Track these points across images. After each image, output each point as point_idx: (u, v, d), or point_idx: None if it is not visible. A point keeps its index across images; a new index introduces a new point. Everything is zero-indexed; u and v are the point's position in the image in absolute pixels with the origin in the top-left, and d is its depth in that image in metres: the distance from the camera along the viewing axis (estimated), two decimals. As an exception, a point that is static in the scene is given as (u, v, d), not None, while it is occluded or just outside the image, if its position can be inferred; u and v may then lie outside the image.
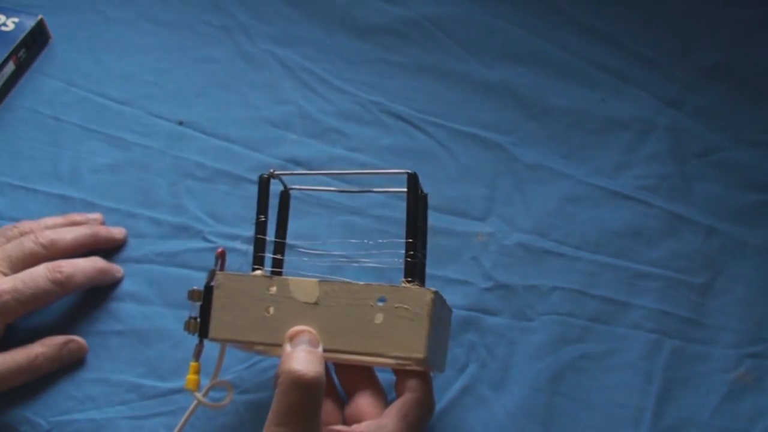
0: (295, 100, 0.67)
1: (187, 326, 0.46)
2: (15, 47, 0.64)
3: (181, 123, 0.65)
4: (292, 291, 0.44)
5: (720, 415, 0.54)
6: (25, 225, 0.55)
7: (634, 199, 0.63)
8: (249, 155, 0.63)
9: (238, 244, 0.58)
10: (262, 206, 0.47)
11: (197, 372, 0.46)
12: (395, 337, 0.43)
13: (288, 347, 0.43)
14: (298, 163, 0.63)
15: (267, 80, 0.68)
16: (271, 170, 0.48)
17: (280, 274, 0.49)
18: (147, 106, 0.65)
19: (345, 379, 0.50)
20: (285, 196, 0.51)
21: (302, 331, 0.43)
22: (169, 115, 0.65)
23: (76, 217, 0.57)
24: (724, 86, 0.70)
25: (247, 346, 0.48)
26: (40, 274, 0.50)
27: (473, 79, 0.70)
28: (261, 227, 0.47)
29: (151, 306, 0.56)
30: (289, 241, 0.51)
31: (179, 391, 0.52)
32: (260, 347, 0.48)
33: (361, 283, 0.44)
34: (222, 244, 0.58)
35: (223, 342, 0.47)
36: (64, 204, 0.59)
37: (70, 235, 0.54)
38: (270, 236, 0.48)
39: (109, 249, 0.57)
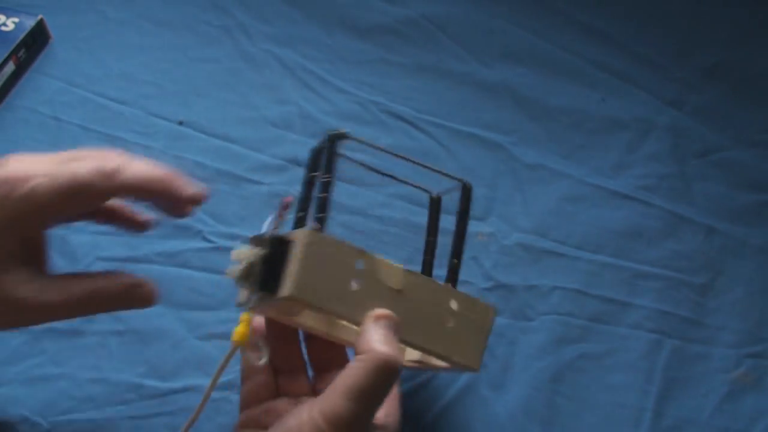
0: (295, 100, 0.67)
1: (243, 274, 0.40)
2: (15, 47, 0.64)
3: (181, 123, 0.65)
4: (379, 272, 0.42)
5: (720, 415, 0.54)
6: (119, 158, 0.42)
7: (634, 199, 0.63)
8: (249, 155, 0.63)
9: (238, 245, 0.58)
10: (329, 166, 0.43)
11: (248, 325, 0.42)
12: (460, 344, 0.44)
13: (376, 328, 0.40)
14: (298, 164, 0.63)
15: (267, 80, 0.68)
16: (343, 131, 0.44)
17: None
18: (147, 106, 0.65)
19: (315, 354, 0.48)
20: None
21: (389, 317, 0.40)
22: (169, 115, 0.65)
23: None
24: (724, 86, 0.70)
25: (298, 317, 0.45)
26: (83, 160, 0.40)
27: (473, 79, 0.70)
28: (326, 186, 0.42)
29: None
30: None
31: (179, 391, 0.52)
32: (316, 323, 0.46)
33: (442, 283, 0.44)
34: (222, 244, 0.58)
35: (294, 304, 0.41)
36: (64, 204, 0.59)
37: (139, 173, 0.41)
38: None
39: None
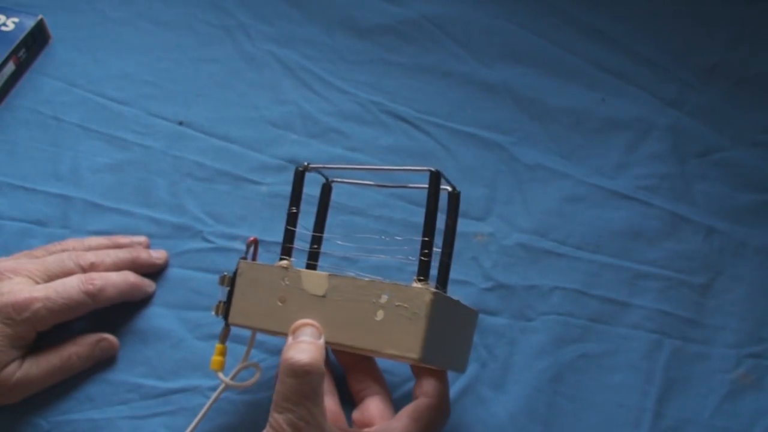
0: (295, 100, 0.67)
1: (216, 310, 0.49)
2: (15, 47, 0.64)
3: (181, 123, 0.65)
4: (303, 283, 0.45)
5: (720, 415, 0.54)
6: (69, 243, 0.55)
7: (634, 199, 0.63)
8: (249, 155, 0.63)
9: (237, 244, 0.58)
10: (296, 198, 0.49)
11: (223, 354, 0.48)
12: (393, 335, 0.43)
13: (290, 339, 0.44)
14: (298, 164, 0.63)
15: (267, 80, 0.68)
16: (306, 163, 0.49)
17: (314, 267, 0.50)
18: (147, 106, 0.65)
19: (354, 384, 0.51)
20: (326, 189, 0.52)
21: (305, 324, 0.44)
22: (169, 115, 0.65)
23: (121, 239, 0.57)
24: (724, 86, 0.70)
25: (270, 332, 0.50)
26: (72, 284, 0.50)
27: (473, 79, 0.70)
28: (292, 219, 0.48)
29: (150, 306, 0.56)
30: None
31: (179, 391, 0.53)
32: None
33: (367, 279, 0.44)
34: (222, 244, 0.58)
35: (241, 327, 0.48)
36: (64, 204, 0.59)
37: (109, 259, 0.54)
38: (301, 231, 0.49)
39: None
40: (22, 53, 0.65)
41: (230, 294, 0.48)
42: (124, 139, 0.63)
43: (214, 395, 0.49)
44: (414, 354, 0.42)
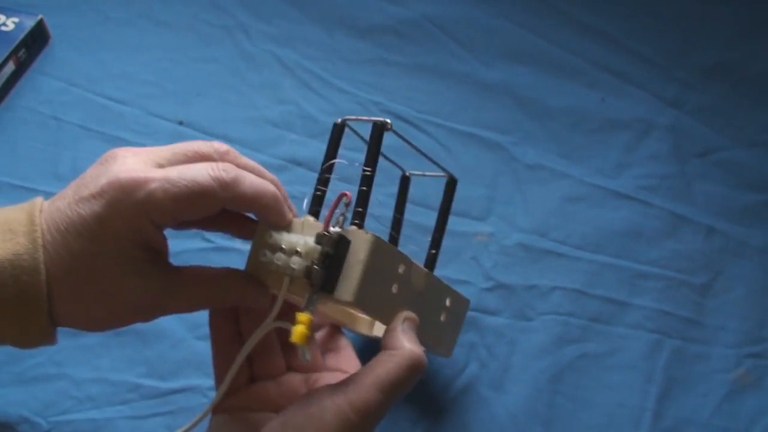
0: (295, 100, 0.67)
1: (307, 273, 0.39)
2: (15, 47, 0.64)
3: (181, 123, 0.65)
4: (413, 275, 0.44)
5: (720, 415, 0.54)
6: (221, 148, 0.42)
7: (634, 199, 0.63)
8: (249, 155, 0.62)
9: (237, 244, 0.58)
10: (372, 157, 0.42)
11: (309, 326, 0.39)
12: (445, 336, 0.48)
13: (406, 328, 0.41)
14: (298, 164, 0.63)
15: (267, 80, 0.68)
16: (386, 121, 0.45)
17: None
18: (147, 106, 0.65)
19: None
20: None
21: (415, 319, 0.42)
22: (169, 115, 0.65)
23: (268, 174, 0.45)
24: (724, 86, 0.70)
25: (347, 318, 0.49)
26: (199, 167, 0.39)
27: (473, 79, 0.70)
28: (367, 180, 0.42)
29: (151, 306, 0.56)
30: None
31: (179, 391, 0.53)
32: (338, 315, 0.49)
33: (442, 282, 0.47)
34: (222, 244, 0.58)
35: (349, 306, 0.42)
36: (64, 204, 0.59)
37: (253, 187, 0.40)
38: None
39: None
40: (22, 53, 0.65)
41: (334, 260, 0.40)
42: (124, 139, 0.63)
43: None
44: (448, 354, 0.49)
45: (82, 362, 0.53)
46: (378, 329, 0.52)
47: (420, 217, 0.60)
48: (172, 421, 0.51)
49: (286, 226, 0.42)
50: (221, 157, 0.41)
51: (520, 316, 0.58)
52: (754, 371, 0.56)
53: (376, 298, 0.41)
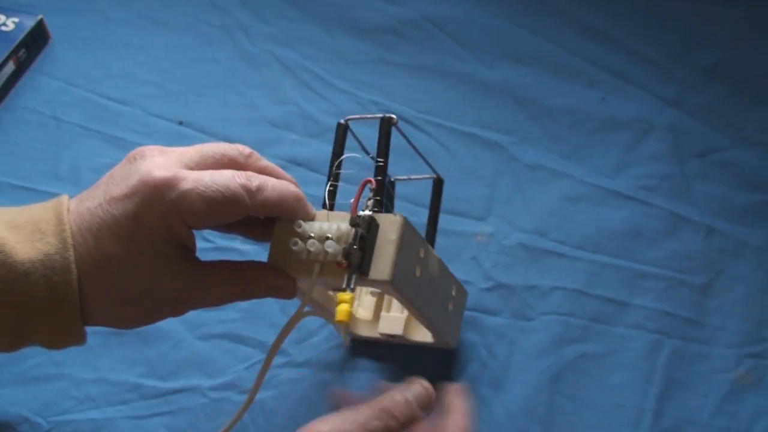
0: (295, 100, 0.67)
1: (345, 255, 0.41)
2: (15, 47, 0.64)
3: (181, 123, 0.65)
4: (429, 260, 0.46)
5: (720, 415, 0.54)
6: (245, 150, 0.43)
7: (634, 199, 0.63)
8: (249, 155, 0.63)
9: (238, 244, 0.58)
10: (383, 149, 0.47)
11: (352, 304, 0.40)
12: (451, 325, 0.50)
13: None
14: (298, 164, 0.63)
15: (267, 80, 0.68)
16: (392, 116, 0.48)
17: None
18: (147, 106, 0.65)
19: None
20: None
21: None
22: (169, 115, 0.65)
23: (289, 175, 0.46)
24: (724, 86, 0.70)
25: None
26: (227, 175, 0.40)
27: (473, 79, 0.70)
28: (380, 170, 0.45)
29: (151, 306, 0.56)
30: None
31: (179, 391, 0.53)
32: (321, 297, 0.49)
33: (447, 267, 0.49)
34: (222, 244, 0.58)
35: (383, 287, 0.43)
36: (64, 204, 0.59)
37: (276, 192, 0.41)
38: None
39: None
40: (22, 53, 0.66)
41: (366, 243, 0.41)
42: (123, 139, 0.63)
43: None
44: (454, 343, 0.52)
45: (82, 362, 0.53)
46: (380, 327, 0.52)
47: (416, 217, 0.59)
48: (172, 421, 0.51)
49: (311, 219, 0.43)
50: (245, 160, 0.42)
51: (520, 316, 0.58)
52: (755, 371, 0.56)
53: (407, 280, 0.42)
